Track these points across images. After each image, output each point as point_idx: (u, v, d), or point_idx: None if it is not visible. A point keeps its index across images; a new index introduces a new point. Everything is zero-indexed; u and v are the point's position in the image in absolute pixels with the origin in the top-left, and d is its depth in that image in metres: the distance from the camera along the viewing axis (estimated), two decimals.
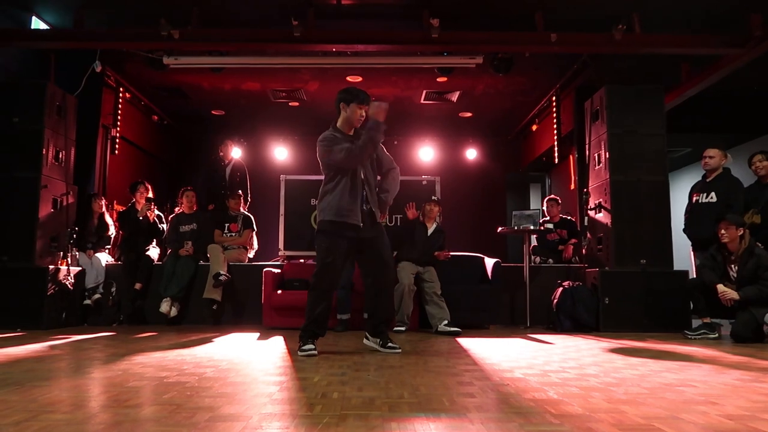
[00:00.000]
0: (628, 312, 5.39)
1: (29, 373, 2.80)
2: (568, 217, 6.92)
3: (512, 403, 2.15)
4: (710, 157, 5.37)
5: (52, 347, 3.99)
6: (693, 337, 4.74)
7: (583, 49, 6.43)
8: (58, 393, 2.33)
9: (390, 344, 3.76)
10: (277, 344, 4.23)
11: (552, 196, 7.15)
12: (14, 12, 6.01)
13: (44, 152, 5.62)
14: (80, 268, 5.96)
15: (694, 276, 5.38)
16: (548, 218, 6.82)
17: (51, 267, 5.50)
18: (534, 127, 9.31)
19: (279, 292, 5.65)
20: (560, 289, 5.61)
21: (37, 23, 6.25)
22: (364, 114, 3.76)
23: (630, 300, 5.42)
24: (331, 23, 6.19)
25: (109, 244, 6.51)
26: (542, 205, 7.17)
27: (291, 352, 3.76)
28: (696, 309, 4.98)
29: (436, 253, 5.56)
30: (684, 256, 5.81)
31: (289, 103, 8.61)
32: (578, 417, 1.91)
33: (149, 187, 6.53)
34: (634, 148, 5.73)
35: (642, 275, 5.46)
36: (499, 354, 3.65)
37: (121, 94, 7.71)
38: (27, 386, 2.44)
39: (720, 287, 4.66)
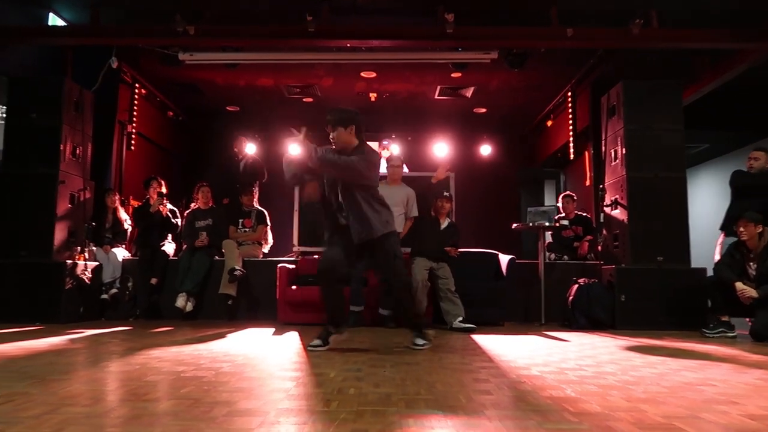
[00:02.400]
0: (645, 310, 5.34)
1: (49, 367, 2.84)
2: (584, 214, 6.86)
3: (529, 400, 2.14)
4: (755, 159, 5.31)
5: (70, 341, 4.04)
6: (711, 335, 4.68)
7: (600, 44, 6.36)
8: (78, 386, 2.36)
9: (415, 342, 3.74)
10: (292, 340, 4.24)
11: (567, 192, 7.09)
12: (32, 9, 6.06)
13: (62, 148, 5.67)
14: (97, 263, 6.02)
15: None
16: (563, 215, 6.76)
17: (69, 262, 5.56)
18: (549, 123, 9.23)
19: (293, 287, 5.66)
20: (575, 286, 5.57)
21: (55, 20, 6.30)
22: (332, 138, 3.74)
23: (646, 297, 5.36)
24: (346, 19, 6.17)
25: (125, 240, 6.57)
26: (557, 202, 7.11)
27: (306, 347, 3.77)
28: (714, 307, 4.92)
29: (446, 248, 5.52)
30: (701, 253, 5.74)
31: (303, 99, 8.61)
32: (597, 415, 1.89)
33: (162, 182, 6.57)
34: (651, 144, 5.66)
35: (659, 272, 5.40)
36: (514, 351, 3.63)
37: (137, 90, 7.76)
38: (47, 379, 2.47)
39: (738, 285, 4.60)
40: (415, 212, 5.66)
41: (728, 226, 5.20)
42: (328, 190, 3.75)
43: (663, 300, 5.34)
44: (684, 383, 2.50)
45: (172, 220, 6.48)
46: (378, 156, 3.88)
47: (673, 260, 5.47)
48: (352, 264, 3.92)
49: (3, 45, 5.77)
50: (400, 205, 5.55)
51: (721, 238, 5.36)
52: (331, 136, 3.70)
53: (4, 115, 5.98)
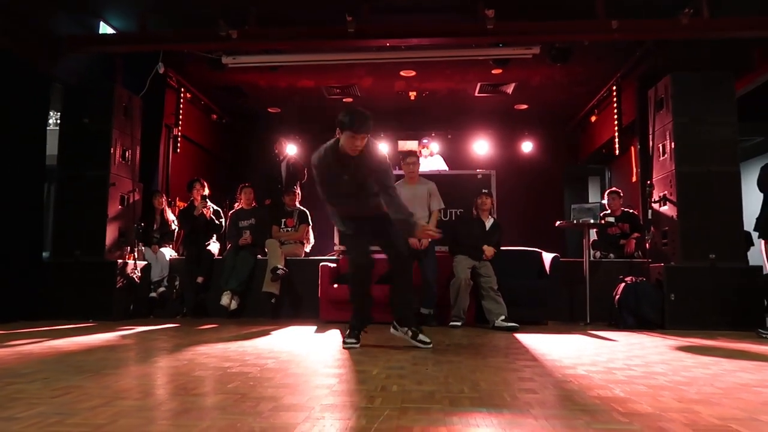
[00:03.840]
0: (696, 309, 5.16)
1: (102, 362, 2.94)
2: (631, 211, 6.66)
3: (576, 400, 2.09)
4: None
5: (121, 337, 4.18)
6: (767, 336, 4.48)
7: (647, 36, 6.17)
8: (129, 380, 2.43)
9: (420, 337, 3.68)
10: (334, 337, 4.27)
11: (614, 188, 6.89)
12: (84, 19, 6.30)
13: (112, 151, 5.88)
14: (146, 263, 6.21)
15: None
16: (609, 212, 6.59)
17: (119, 261, 5.75)
18: (593, 118, 9.02)
19: (335, 286, 5.71)
20: (622, 284, 5.42)
21: (105, 28, 6.53)
22: (358, 145, 3.45)
23: (698, 297, 5.18)
24: (385, 18, 6.18)
25: (172, 240, 6.75)
26: (603, 198, 6.93)
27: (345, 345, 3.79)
28: None
29: (485, 247, 5.45)
30: (757, 251, 5.49)
31: (343, 99, 8.67)
32: (648, 416, 1.84)
33: (205, 184, 6.72)
34: (702, 138, 5.46)
35: (711, 271, 5.21)
36: (559, 350, 3.56)
37: (182, 95, 7.97)
38: (101, 373, 2.56)
39: None
40: (439, 204, 5.51)
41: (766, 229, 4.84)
42: (341, 187, 3.66)
43: (716, 299, 5.15)
44: (740, 384, 2.40)
45: (216, 221, 6.63)
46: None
47: (727, 258, 5.26)
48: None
49: (58, 54, 6.01)
50: (422, 204, 5.48)
51: (763, 246, 4.95)
52: (358, 144, 3.47)
53: (59, 121, 6.24)
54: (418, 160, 5.70)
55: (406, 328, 3.76)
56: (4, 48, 5.30)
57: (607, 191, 6.82)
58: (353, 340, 3.68)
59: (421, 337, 3.70)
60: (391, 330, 3.83)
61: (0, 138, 5.19)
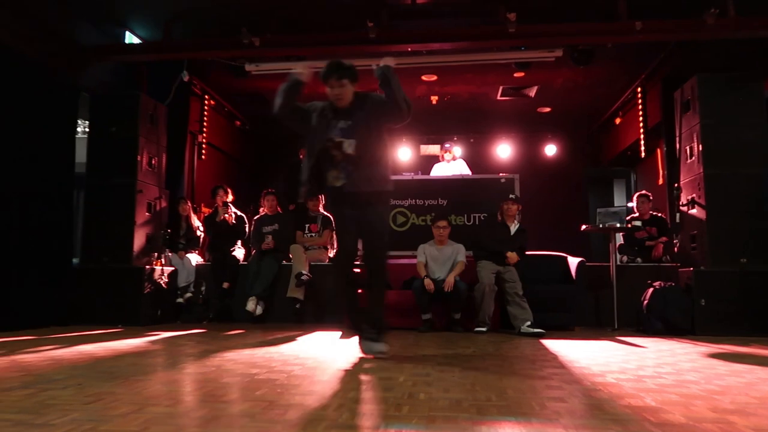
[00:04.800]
0: (727, 315, 5.04)
1: (132, 367, 2.99)
2: (659, 215, 6.54)
3: (606, 409, 2.06)
4: None
5: (150, 343, 4.23)
6: None
7: (672, 37, 6.08)
8: (159, 387, 2.47)
9: (371, 346, 3.42)
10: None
11: (643, 192, 6.74)
12: (110, 29, 6.43)
13: (139, 159, 5.97)
14: (173, 268, 6.29)
15: None
16: (636, 215, 6.49)
17: (147, 267, 5.84)
18: (617, 121, 8.92)
19: (359, 291, 5.70)
20: (651, 289, 5.34)
21: (130, 38, 6.66)
22: (337, 93, 3.50)
23: (729, 302, 5.06)
24: (406, 23, 6.20)
25: (198, 246, 6.83)
26: (632, 201, 6.79)
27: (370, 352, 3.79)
28: None
29: (508, 253, 5.41)
30: None
31: None
32: (681, 426, 1.81)
33: (228, 190, 6.79)
34: (730, 140, 5.35)
35: (742, 275, 5.10)
36: (587, 357, 3.51)
37: (206, 102, 8.08)
38: (131, 379, 2.60)
39: None
40: (463, 257, 5.50)
41: None
42: (336, 136, 3.47)
43: (747, 304, 5.03)
44: None
45: (239, 226, 6.69)
46: None
47: (758, 262, 5.14)
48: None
49: (85, 63, 6.14)
50: (447, 264, 5.51)
51: None
52: (335, 91, 3.45)
53: (87, 130, 6.37)
54: (449, 225, 5.67)
55: (373, 330, 3.48)
56: (34, 58, 5.43)
57: (637, 194, 6.69)
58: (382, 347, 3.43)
59: (375, 345, 3.43)
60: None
61: (30, 146, 5.32)
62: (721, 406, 2.11)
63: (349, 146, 3.46)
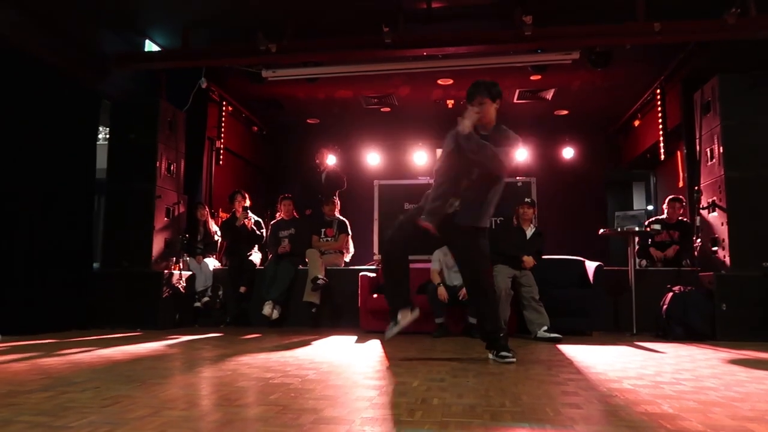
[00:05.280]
0: (749, 320, 4.95)
1: (149, 371, 3.02)
2: (685, 219, 6.38)
3: (622, 416, 2.03)
4: None
5: (167, 346, 4.28)
6: None
7: (692, 38, 6.00)
8: (176, 390, 2.49)
9: (502, 353, 3.49)
10: (374, 348, 4.28)
11: (678, 196, 6.55)
12: (130, 37, 6.54)
13: (158, 165, 6.07)
14: (191, 273, 6.36)
15: None
16: (659, 218, 6.37)
17: (165, 271, 5.91)
18: (636, 123, 8.82)
19: (375, 296, 5.72)
20: (670, 294, 5.26)
21: (150, 45, 6.76)
22: (477, 111, 3.46)
23: (751, 306, 4.97)
24: (422, 27, 6.20)
25: (215, 250, 6.90)
26: (663, 205, 6.60)
27: (388, 355, 3.79)
28: None
29: (524, 257, 5.37)
30: None
31: (381, 109, 8.73)
32: None
33: (246, 195, 6.85)
34: (752, 141, 5.27)
35: (764, 279, 5.00)
36: (604, 362, 3.47)
37: (224, 108, 8.17)
38: (148, 383, 2.63)
39: None
40: None
41: None
42: (460, 172, 3.51)
43: None
44: None
45: (257, 231, 6.74)
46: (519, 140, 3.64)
47: None
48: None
49: (106, 71, 6.25)
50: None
51: None
52: (476, 110, 3.46)
53: (108, 137, 6.48)
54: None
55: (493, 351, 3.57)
56: (56, 66, 5.55)
57: (669, 198, 6.50)
58: (394, 328, 3.58)
59: (501, 353, 3.51)
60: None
61: (52, 152, 5.43)
62: (741, 413, 2.07)
63: (474, 174, 3.52)
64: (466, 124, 3.44)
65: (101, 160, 6.18)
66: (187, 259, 6.47)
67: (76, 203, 5.77)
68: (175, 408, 2.12)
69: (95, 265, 6.18)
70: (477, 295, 3.71)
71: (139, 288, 5.79)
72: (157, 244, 6.01)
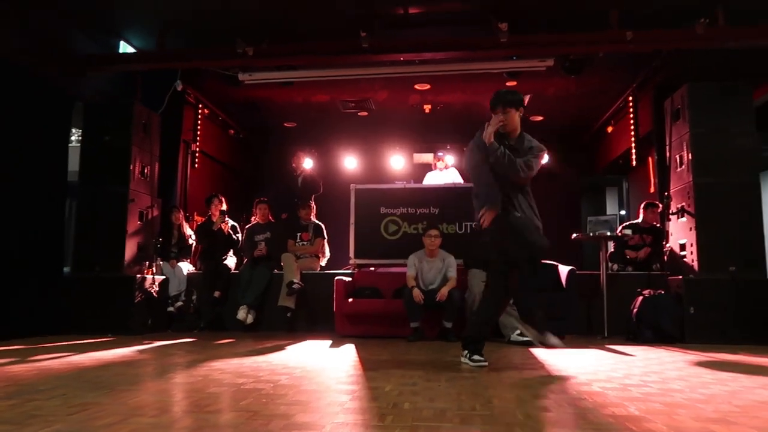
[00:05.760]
0: (716, 322, 5.07)
1: (119, 377, 2.98)
2: (658, 225, 6.52)
3: (590, 418, 2.07)
4: None
5: (138, 352, 4.22)
6: None
7: (662, 46, 6.12)
8: (145, 397, 2.46)
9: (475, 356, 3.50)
10: (349, 352, 4.28)
11: (653, 201, 6.72)
12: (105, 38, 6.45)
13: (131, 168, 5.98)
14: (164, 277, 6.28)
15: None
16: (633, 222, 6.50)
17: (138, 276, 5.83)
18: (609, 129, 8.96)
19: (350, 300, 5.72)
20: (641, 297, 5.35)
21: (125, 47, 6.67)
22: (501, 120, 3.54)
23: (718, 310, 5.09)
24: (399, 33, 6.22)
25: (190, 254, 6.83)
26: (639, 209, 6.74)
27: (363, 360, 3.79)
28: None
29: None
30: None
31: (358, 113, 8.74)
32: None
33: (223, 199, 6.80)
34: (719, 149, 5.40)
35: (731, 283, 5.12)
36: (575, 365, 3.52)
37: (200, 111, 8.09)
38: (117, 390, 2.60)
39: None
40: (455, 272, 5.51)
41: None
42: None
43: (736, 312, 5.05)
44: (759, 402, 2.36)
45: (234, 235, 6.69)
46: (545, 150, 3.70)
47: (747, 270, 5.17)
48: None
49: (80, 73, 6.15)
50: (439, 275, 5.54)
51: None
52: (500, 118, 3.54)
53: (81, 138, 6.38)
54: (440, 234, 5.68)
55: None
56: (27, 67, 5.45)
57: (645, 203, 6.65)
58: (482, 358, 3.50)
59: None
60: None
61: (22, 154, 5.32)
62: (704, 415, 2.12)
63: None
64: (489, 132, 3.51)
65: (73, 162, 6.07)
66: (161, 263, 6.39)
67: (47, 206, 5.66)
68: (144, 415, 2.10)
69: (66, 269, 6.06)
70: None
71: (110, 293, 5.70)
72: (130, 248, 5.93)
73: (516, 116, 3.60)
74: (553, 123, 9.19)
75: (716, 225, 5.28)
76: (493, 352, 4.38)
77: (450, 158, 8.53)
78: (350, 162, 9.85)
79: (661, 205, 6.58)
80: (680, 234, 5.60)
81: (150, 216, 6.26)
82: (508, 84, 7.36)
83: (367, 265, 6.47)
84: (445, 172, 7.79)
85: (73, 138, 6.87)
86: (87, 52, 6.20)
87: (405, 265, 5.65)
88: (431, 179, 7.74)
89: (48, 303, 5.51)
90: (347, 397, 2.43)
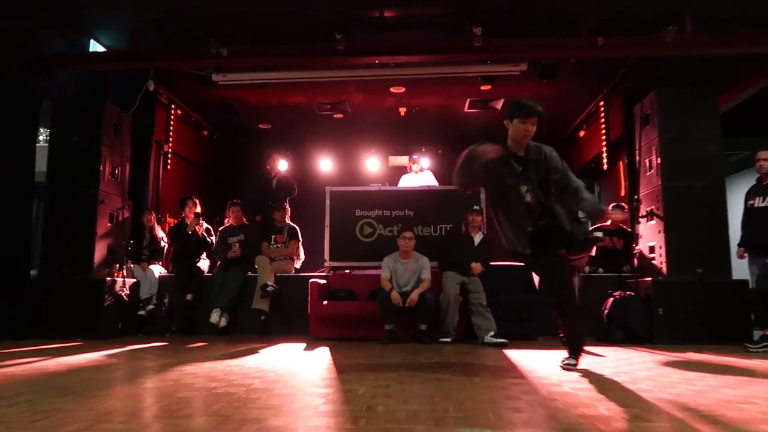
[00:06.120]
0: (684, 323, 5.18)
1: (87, 383, 2.92)
2: (627, 228, 6.65)
3: (560, 419, 2.10)
4: (765, 160, 5.28)
5: (108, 356, 4.14)
6: (754, 350, 4.51)
7: (632, 53, 6.26)
8: (114, 402, 2.42)
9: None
10: (323, 355, 4.26)
11: (619, 203, 6.85)
12: (74, 36, 6.32)
13: (101, 169, 5.87)
14: (135, 280, 6.17)
15: (753, 285, 5.15)
16: (599, 225, 6.63)
17: (108, 279, 5.72)
18: (581, 133, 9.11)
19: (325, 302, 5.70)
20: (611, 299, 5.45)
21: (95, 46, 6.55)
22: (529, 129, 3.45)
23: (686, 311, 5.21)
24: (374, 35, 6.24)
25: (161, 257, 6.73)
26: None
27: (337, 362, 3.78)
28: (757, 320, 4.75)
29: (472, 264, 5.48)
30: (743, 264, 5.55)
31: (334, 115, 8.72)
32: None
33: (197, 201, 6.72)
34: (687, 153, 5.54)
35: (698, 285, 5.25)
36: (547, 367, 3.56)
37: (172, 111, 7.99)
38: (85, 395, 2.54)
39: None
40: (429, 274, 5.51)
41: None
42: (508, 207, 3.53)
43: (703, 313, 5.18)
44: (723, 401, 2.42)
45: (208, 238, 6.61)
46: None
47: (714, 272, 5.30)
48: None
49: (48, 72, 6.02)
50: (413, 277, 5.54)
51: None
52: (527, 129, 3.46)
53: (49, 138, 6.23)
54: (415, 236, 5.69)
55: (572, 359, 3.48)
56: None
57: (612, 205, 6.77)
58: (574, 361, 3.45)
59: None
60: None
61: None
62: (672, 414, 2.17)
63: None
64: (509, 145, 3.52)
65: (41, 163, 5.93)
66: (132, 266, 6.28)
67: (13, 207, 5.51)
68: (112, 421, 2.06)
69: (33, 272, 5.91)
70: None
71: (79, 296, 5.57)
72: (100, 251, 5.81)
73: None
74: None
75: (684, 228, 5.41)
76: (466, 353, 4.41)
77: (425, 161, 8.59)
78: (326, 164, 9.83)
79: (627, 207, 6.73)
80: (650, 237, 5.72)
81: (120, 218, 6.15)
82: (482, 88, 7.43)
83: (342, 267, 6.45)
84: (421, 174, 7.83)
85: (40, 138, 6.70)
86: (56, 51, 6.07)
87: (380, 268, 5.66)
88: (406, 182, 7.76)
89: (13, 307, 5.36)
90: (321, 401, 2.42)
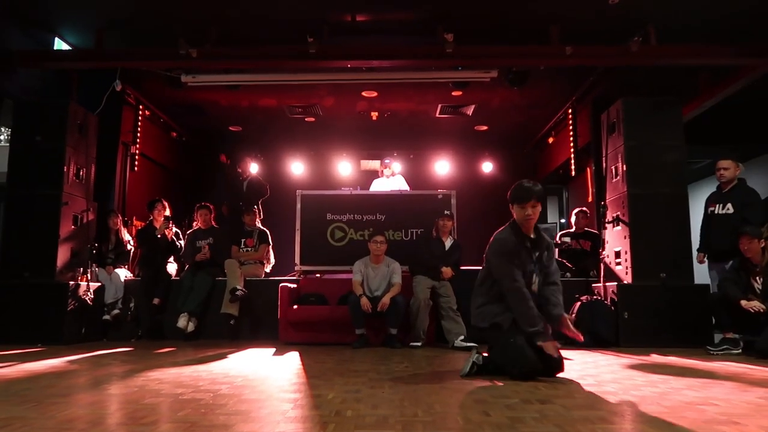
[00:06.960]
0: (649, 327, 5.30)
1: (48, 389, 2.84)
2: (593, 231, 6.81)
3: (528, 422, 2.12)
4: (725, 169, 5.45)
5: (71, 363, 4.03)
6: (715, 353, 4.64)
7: (599, 62, 6.40)
8: (76, 409, 2.35)
9: None
10: (292, 360, 4.22)
11: (582, 208, 7.04)
12: (38, 34, 6.16)
13: (65, 170, 5.73)
14: (100, 284, 6.03)
15: (715, 290, 5.29)
16: (569, 230, 6.77)
17: (71, 283, 5.57)
18: (550, 140, 9.26)
19: (295, 307, 5.66)
20: (578, 303, 5.54)
21: (60, 44, 6.39)
22: (530, 213, 3.40)
23: (650, 314, 5.32)
24: (346, 39, 6.24)
25: (128, 260, 6.58)
26: (570, 217, 7.08)
27: (306, 367, 3.76)
28: (718, 324, 4.88)
29: (443, 268, 5.51)
30: (705, 269, 5.70)
31: (305, 119, 8.69)
32: None
33: (167, 204, 6.61)
34: (651, 161, 5.67)
35: (662, 289, 5.37)
36: None
37: (140, 112, 7.84)
38: (45, 402, 2.47)
39: (743, 303, 4.55)
40: (399, 278, 5.52)
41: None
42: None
43: (667, 317, 5.30)
44: (685, 403, 2.47)
45: (177, 242, 6.51)
46: None
47: (676, 277, 5.44)
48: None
49: (10, 69, 5.85)
50: (384, 281, 5.55)
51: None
52: (531, 212, 3.42)
53: (9, 137, 6.05)
54: (386, 240, 5.69)
55: None
56: None
57: (576, 210, 6.97)
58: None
59: None
60: None
61: None
62: (636, 416, 2.21)
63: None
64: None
65: (1, 163, 5.75)
66: (96, 269, 6.13)
67: None
68: (73, 429, 2.00)
69: None
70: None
71: (41, 300, 5.42)
72: (63, 254, 5.66)
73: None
74: (498, 133, 9.41)
75: (648, 233, 5.53)
76: (436, 357, 4.43)
77: (397, 165, 8.61)
78: (297, 167, 9.78)
79: (590, 212, 6.93)
80: (616, 242, 5.84)
81: (85, 220, 6.00)
82: (453, 94, 7.50)
83: (312, 271, 6.41)
84: (392, 179, 7.84)
85: (1, 137, 6.50)
86: (18, 47, 5.91)
87: (351, 272, 5.64)
88: (378, 186, 7.77)
89: None
90: (289, 406, 2.40)
